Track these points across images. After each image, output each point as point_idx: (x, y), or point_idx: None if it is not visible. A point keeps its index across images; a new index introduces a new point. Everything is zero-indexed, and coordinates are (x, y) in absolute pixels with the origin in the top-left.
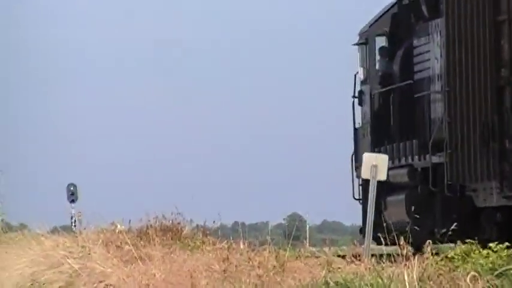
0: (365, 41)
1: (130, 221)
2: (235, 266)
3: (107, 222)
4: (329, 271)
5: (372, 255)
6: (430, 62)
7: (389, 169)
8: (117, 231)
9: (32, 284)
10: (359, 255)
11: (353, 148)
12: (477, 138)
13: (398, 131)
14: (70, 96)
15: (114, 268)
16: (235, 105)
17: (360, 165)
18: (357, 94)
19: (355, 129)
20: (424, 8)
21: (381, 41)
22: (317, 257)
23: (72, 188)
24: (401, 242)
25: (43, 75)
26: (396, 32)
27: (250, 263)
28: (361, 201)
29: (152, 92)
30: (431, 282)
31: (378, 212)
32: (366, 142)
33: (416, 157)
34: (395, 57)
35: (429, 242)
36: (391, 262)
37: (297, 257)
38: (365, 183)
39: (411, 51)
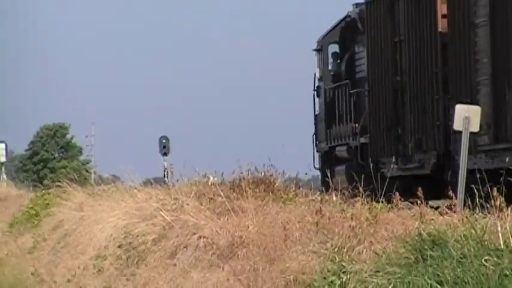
0: (321, 47)
1: (222, 173)
2: (328, 218)
3: (199, 175)
4: (422, 222)
5: (464, 205)
6: (364, 65)
7: (336, 146)
8: (209, 183)
9: (125, 237)
10: (453, 207)
11: (314, 129)
12: (384, 126)
13: (342, 118)
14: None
15: (207, 220)
16: None
17: (320, 141)
18: (315, 88)
19: (315, 115)
20: (359, 25)
21: (333, 48)
22: (410, 209)
23: (164, 141)
24: (495, 193)
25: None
26: (344, 41)
27: (343, 214)
28: (320, 170)
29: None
30: None
31: (330, 178)
32: (322, 125)
33: (351, 138)
34: (343, 60)
35: None
36: (485, 214)
37: (389, 209)
38: (323, 155)
39: (354, 56)
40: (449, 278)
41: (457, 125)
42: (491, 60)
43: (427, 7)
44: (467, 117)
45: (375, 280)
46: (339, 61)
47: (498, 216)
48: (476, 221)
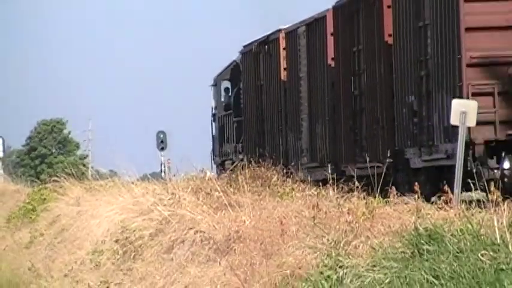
0: (216, 83)
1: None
2: (325, 212)
3: (196, 169)
4: (418, 217)
5: (462, 201)
6: None
7: (226, 160)
8: (206, 178)
9: (122, 231)
10: (449, 201)
11: (211, 147)
12: (253, 147)
13: (229, 139)
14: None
15: (203, 215)
16: None
17: (216, 156)
18: (212, 115)
19: (212, 136)
20: (241, 68)
21: (225, 84)
22: (406, 203)
23: (161, 136)
24: (492, 188)
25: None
26: (233, 79)
27: (340, 209)
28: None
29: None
30: None
31: None
32: (217, 144)
33: (234, 154)
34: (232, 94)
35: None
36: (481, 208)
37: (386, 203)
38: (217, 167)
39: (240, 91)
40: (445, 273)
41: (454, 120)
42: (308, 103)
43: (274, 61)
44: (463, 112)
45: (372, 275)
46: (229, 94)
47: (495, 210)
48: (472, 215)
